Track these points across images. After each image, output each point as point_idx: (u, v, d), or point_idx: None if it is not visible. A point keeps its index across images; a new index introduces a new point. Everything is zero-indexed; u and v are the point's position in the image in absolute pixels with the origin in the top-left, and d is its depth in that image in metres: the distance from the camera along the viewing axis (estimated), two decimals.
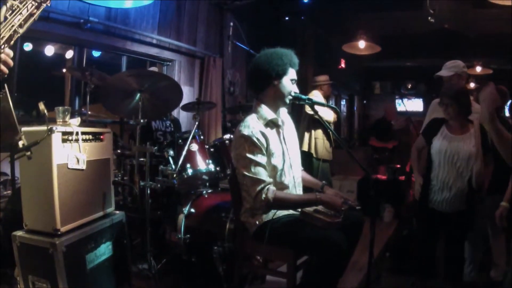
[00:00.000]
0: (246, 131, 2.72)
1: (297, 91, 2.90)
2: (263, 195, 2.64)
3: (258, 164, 2.69)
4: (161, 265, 3.74)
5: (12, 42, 1.74)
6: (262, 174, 2.70)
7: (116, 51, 5.86)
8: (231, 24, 5.24)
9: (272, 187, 2.69)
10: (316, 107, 2.97)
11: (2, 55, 1.70)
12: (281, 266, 3.23)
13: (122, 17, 5.49)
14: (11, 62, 1.74)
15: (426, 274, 3.66)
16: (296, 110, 5.98)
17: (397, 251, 4.34)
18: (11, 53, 1.75)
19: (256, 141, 2.70)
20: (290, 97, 2.87)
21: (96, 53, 6.21)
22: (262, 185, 2.66)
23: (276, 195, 2.67)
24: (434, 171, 3.53)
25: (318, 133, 5.99)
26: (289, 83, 2.85)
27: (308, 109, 5.59)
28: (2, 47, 1.71)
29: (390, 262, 4.31)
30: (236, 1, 7.15)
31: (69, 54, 5.59)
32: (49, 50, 5.70)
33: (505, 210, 3.14)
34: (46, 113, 2.54)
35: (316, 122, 5.91)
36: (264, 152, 2.74)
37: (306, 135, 6.01)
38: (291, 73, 2.86)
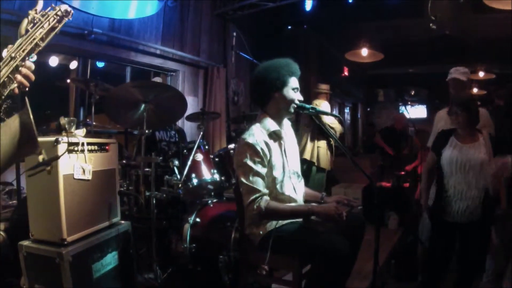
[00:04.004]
0: (251, 139, 2.72)
1: (301, 98, 2.89)
2: (255, 205, 2.65)
3: (257, 173, 2.69)
4: (166, 275, 3.75)
5: (34, 55, 1.76)
6: (259, 184, 2.70)
7: (120, 62, 5.89)
8: (234, 34, 5.29)
9: (266, 197, 2.69)
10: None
11: (23, 69, 1.71)
12: (287, 274, 3.23)
13: (126, 28, 5.53)
14: (32, 76, 1.75)
15: (433, 283, 3.63)
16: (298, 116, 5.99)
17: (402, 258, 4.32)
18: (32, 66, 1.76)
19: (260, 151, 2.70)
20: (294, 105, 2.85)
21: (100, 64, 6.25)
22: (257, 195, 2.67)
23: (268, 205, 2.66)
24: (446, 182, 3.49)
25: (321, 143, 5.99)
26: (291, 93, 2.83)
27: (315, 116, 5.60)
28: (26, 59, 1.73)
29: (395, 269, 4.30)
30: (238, 12, 7.18)
31: (73, 64, 5.63)
32: (54, 61, 5.74)
33: None
34: (67, 128, 2.56)
35: (320, 132, 5.90)
36: (266, 163, 2.74)
37: (309, 144, 6.00)
38: (292, 82, 2.84)
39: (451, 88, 4.14)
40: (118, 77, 6.28)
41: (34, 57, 1.79)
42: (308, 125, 6.01)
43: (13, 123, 1.74)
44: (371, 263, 2.71)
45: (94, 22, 4.98)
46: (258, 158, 2.70)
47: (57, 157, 2.52)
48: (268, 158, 2.75)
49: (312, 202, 3.05)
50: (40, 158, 1.96)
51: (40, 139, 2.54)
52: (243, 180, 2.70)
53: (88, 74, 5.47)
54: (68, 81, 5.72)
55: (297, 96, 2.86)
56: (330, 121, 5.55)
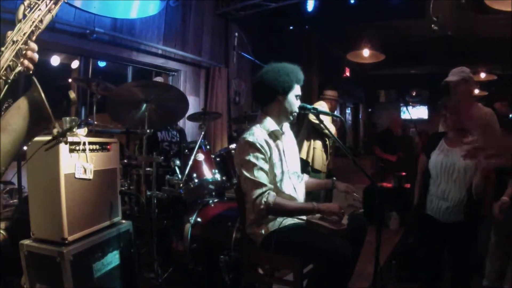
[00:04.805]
0: (251, 138, 2.76)
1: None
2: (264, 199, 2.67)
3: (260, 169, 2.72)
4: (167, 274, 3.75)
5: (34, 38, 1.76)
6: (264, 179, 2.73)
7: (122, 62, 5.89)
8: (236, 34, 5.29)
9: (273, 192, 2.72)
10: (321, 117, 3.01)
11: (28, 52, 1.72)
12: (288, 274, 3.23)
13: (128, 28, 5.54)
14: (36, 58, 1.76)
15: (431, 283, 3.63)
16: (300, 118, 5.97)
17: (403, 259, 4.31)
18: (36, 47, 1.77)
19: (260, 148, 2.74)
20: (294, 113, 2.95)
21: (102, 63, 6.25)
22: (264, 189, 2.69)
23: (276, 200, 2.70)
24: (432, 184, 3.51)
25: (317, 144, 5.97)
26: (294, 99, 2.91)
27: (312, 118, 5.58)
28: (28, 42, 1.74)
29: (396, 270, 4.29)
30: (240, 12, 7.18)
31: (75, 64, 5.63)
32: (55, 60, 5.74)
33: (504, 204, 3.15)
34: (76, 101, 2.56)
35: (316, 133, 5.88)
36: (267, 159, 2.78)
37: (306, 143, 5.98)
38: (297, 89, 2.92)
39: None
40: (119, 76, 6.28)
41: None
42: (306, 125, 5.99)
43: (22, 103, 1.76)
44: (373, 264, 2.72)
45: (96, 22, 4.99)
46: (261, 155, 2.74)
47: (71, 128, 2.53)
48: (269, 155, 2.79)
49: (322, 190, 3.10)
50: (55, 131, 1.97)
51: (40, 138, 2.55)
52: (248, 175, 2.72)
53: (90, 73, 5.48)
54: (70, 80, 5.73)
55: (298, 104, 2.94)
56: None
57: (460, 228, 3.36)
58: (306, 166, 5.92)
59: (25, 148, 2.65)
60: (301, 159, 5.89)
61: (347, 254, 2.53)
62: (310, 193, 3.31)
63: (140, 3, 5.58)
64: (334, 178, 3.15)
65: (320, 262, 2.66)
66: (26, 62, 1.72)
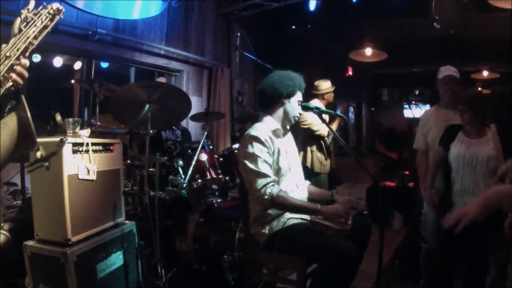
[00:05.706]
0: (255, 133, 2.82)
1: (302, 112, 3.08)
2: (268, 190, 2.70)
3: (264, 161, 2.77)
4: (171, 274, 3.74)
5: (27, 54, 1.77)
6: (268, 171, 2.77)
7: (124, 62, 5.90)
8: (238, 34, 5.27)
9: (278, 186, 2.77)
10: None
11: (18, 67, 1.72)
12: (291, 274, 3.23)
13: (130, 29, 5.54)
14: (26, 74, 1.76)
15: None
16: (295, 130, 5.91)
17: (407, 258, 4.31)
18: (27, 63, 1.77)
19: (265, 142, 2.79)
20: (295, 117, 3.04)
21: (104, 64, 6.26)
22: (268, 180, 2.73)
23: (280, 192, 2.74)
24: (453, 177, 3.49)
25: (313, 147, 5.90)
26: (296, 104, 3.00)
27: (303, 124, 5.49)
28: (20, 58, 1.74)
29: (399, 269, 4.28)
30: (242, 12, 7.18)
31: (78, 65, 5.64)
32: (58, 62, 5.76)
33: None
34: (62, 124, 2.56)
35: (311, 137, 5.80)
36: (271, 153, 2.83)
37: (302, 152, 5.90)
38: (298, 95, 3.03)
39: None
40: (122, 77, 6.28)
41: (38, 57, 1.80)
42: (300, 135, 5.92)
43: (10, 120, 1.75)
44: (376, 264, 2.71)
45: (98, 23, 4.99)
46: (265, 148, 2.79)
47: (54, 153, 2.53)
48: (272, 150, 2.84)
49: (321, 200, 3.11)
50: (38, 154, 1.96)
51: (44, 139, 2.56)
52: (252, 167, 2.75)
53: (93, 74, 5.49)
54: (73, 81, 5.74)
55: (299, 109, 3.04)
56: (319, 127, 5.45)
57: (487, 223, 3.31)
58: (308, 172, 5.88)
59: None
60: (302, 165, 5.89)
61: (352, 255, 2.53)
62: None
63: (142, 3, 5.59)
64: (334, 191, 3.16)
65: (324, 262, 2.66)
66: (14, 75, 1.71)
